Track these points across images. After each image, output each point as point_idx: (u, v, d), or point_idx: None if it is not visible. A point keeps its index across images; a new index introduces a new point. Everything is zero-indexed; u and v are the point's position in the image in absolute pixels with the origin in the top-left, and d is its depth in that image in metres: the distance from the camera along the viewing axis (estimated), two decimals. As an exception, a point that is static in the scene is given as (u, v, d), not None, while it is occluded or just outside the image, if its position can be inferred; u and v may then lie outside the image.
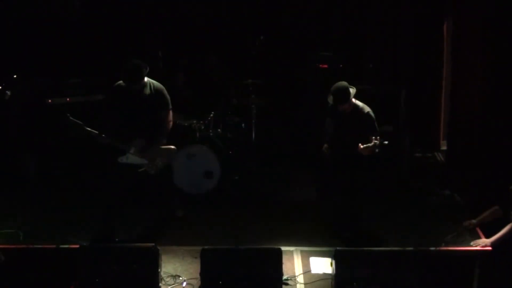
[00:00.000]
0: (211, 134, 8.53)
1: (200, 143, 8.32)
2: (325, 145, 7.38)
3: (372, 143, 6.57)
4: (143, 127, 6.99)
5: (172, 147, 7.32)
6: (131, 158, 7.00)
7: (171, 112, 7.13)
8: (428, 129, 9.84)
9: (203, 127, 8.50)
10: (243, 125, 8.99)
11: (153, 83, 7.02)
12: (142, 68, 6.80)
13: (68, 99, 8.86)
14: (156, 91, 7.01)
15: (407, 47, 9.50)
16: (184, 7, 9.55)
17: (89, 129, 6.85)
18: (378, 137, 6.61)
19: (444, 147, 9.81)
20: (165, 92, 7.08)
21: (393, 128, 7.73)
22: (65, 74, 9.02)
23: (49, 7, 7.90)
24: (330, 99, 6.99)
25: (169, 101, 7.11)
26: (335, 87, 6.93)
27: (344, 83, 6.92)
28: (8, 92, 8.38)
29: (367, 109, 7.00)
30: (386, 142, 6.59)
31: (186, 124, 8.67)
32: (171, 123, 7.16)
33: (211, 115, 8.58)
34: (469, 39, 8.20)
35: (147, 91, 6.96)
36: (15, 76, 8.85)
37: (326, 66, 9.23)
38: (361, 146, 6.67)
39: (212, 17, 9.55)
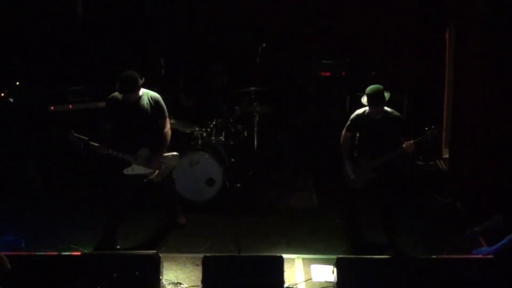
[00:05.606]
0: (213, 141, 8.54)
1: (202, 150, 8.32)
2: (348, 166, 7.11)
3: (413, 141, 6.70)
4: (144, 137, 7.02)
5: (175, 153, 7.34)
6: (137, 168, 7.01)
7: (168, 120, 7.18)
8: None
9: (205, 135, 8.52)
10: (245, 132, 9.00)
11: (149, 93, 7.07)
12: (137, 79, 6.83)
13: (70, 106, 8.89)
14: (153, 100, 7.05)
15: (409, 54, 9.52)
16: (187, 14, 9.57)
17: (94, 144, 6.86)
18: (411, 140, 6.72)
19: (446, 155, 9.81)
20: (161, 101, 7.13)
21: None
22: (68, 81, 9.03)
23: (52, 14, 7.92)
24: (365, 100, 6.86)
25: (165, 109, 7.15)
26: (372, 88, 6.81)
27: (379, 85, 6.85)
28: (11, 99, 8.40)
29: (397, 113, 6.99)
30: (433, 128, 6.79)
31: (188, 131, 8.70)
32: (169, 131, 7.20)
33: (214, 122, 8.59)
34: (472, 46, 8.21)
35: (144, 101, 6.99)
36: (17, 83, 8.88)
37: (328, 74, 9.24)
38: (408, 143, 6.72)
39: (216, 24, 9.57)
